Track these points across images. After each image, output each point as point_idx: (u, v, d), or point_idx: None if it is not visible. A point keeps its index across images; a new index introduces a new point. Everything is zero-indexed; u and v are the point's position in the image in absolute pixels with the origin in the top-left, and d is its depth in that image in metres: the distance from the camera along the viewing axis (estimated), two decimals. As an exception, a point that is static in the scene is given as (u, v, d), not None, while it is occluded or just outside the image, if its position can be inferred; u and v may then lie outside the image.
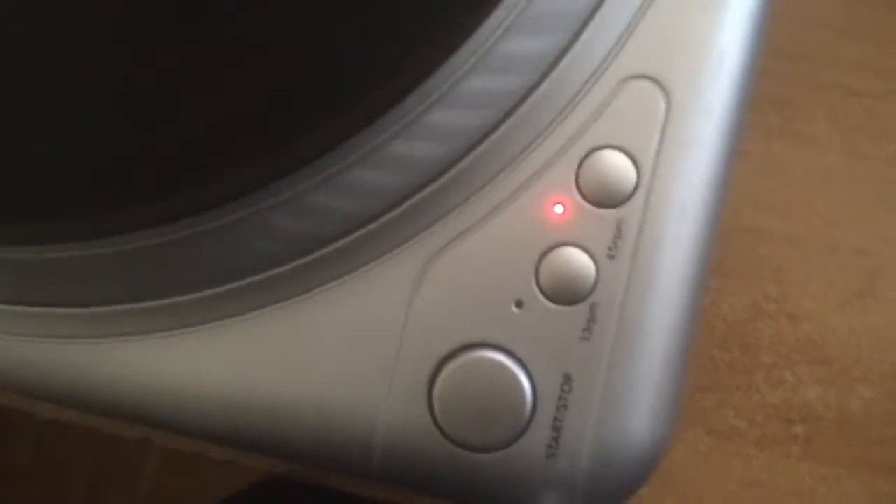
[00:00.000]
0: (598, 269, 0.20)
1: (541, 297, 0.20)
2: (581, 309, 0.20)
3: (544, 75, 0.20)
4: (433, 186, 0.20)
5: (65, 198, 0.19)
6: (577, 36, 0.20)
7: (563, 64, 0.20)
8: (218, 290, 0.20)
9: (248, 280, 0.20)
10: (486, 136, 0.20)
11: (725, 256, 0.26)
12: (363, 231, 0.20)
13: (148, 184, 0.19)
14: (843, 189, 0.26)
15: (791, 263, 0.26)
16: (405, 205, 0.20)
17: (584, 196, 0.20)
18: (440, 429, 0.20)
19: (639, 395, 0.20)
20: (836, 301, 0.26)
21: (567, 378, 0.20)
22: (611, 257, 0.20)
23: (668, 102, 0.20)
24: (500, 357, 0.20)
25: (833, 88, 0.26)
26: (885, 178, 0.26)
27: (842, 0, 0.26)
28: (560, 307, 0.20)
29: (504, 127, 0.20)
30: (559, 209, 0.20)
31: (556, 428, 0.20)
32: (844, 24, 0.27)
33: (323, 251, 0.20)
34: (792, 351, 0.26)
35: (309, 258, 0.20)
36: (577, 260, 0.20)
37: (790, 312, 0.26)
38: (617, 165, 0.20)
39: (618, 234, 0.20)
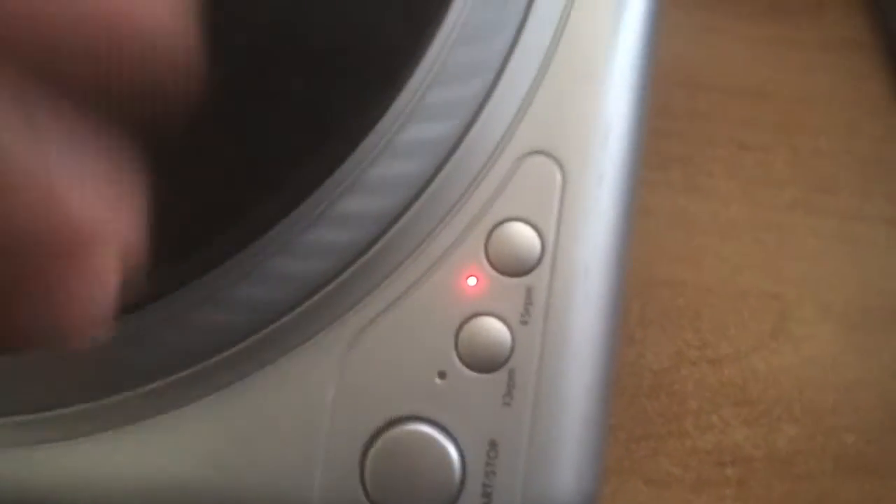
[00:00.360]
0: (513, 336, 0.21)
1: (461, 367, 0.21)
2: (500, 376, 0.21)
3: (446, 159, 0.21)
4: (350, 270, 0.21)
5: None
6: (474, 119, 0.21)
7: (463, 146, 0.21)
8: (144, 388, 0.21)
9: (175, 376, 0.20)
10: (397, 218, 0.21)
11: (645, 309, 0.27)
12: (286, 319, 0.21)
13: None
14: (747, 237, 0.28)
15: (707, 311, 0.27)
16: (323, 291, 0.21)
17: (494, 267, 0.21)
18: (373, 504, 0.20)
19: (563, 453, 0.21)
20: (753, 343, 0.27)
21: (493, 444, 0.21)
22: (524, 323, 0.21)
23: (564, 173, 0.21)
24: (427, 429, 0.21)
25: (728, 144, 0.28)
26: (784, 224, 0.28)
27: (724, 62, 0.28)
28: (480, 375, 0.21)
29: (414, 207, 0.21)
30: (472, 281, 0.21)
31: (487, 494, 0.20)
32: (733, 84, 0.29)
33: (247, 342, 0.21)
34: (716, 395, 0.27)
35: (234, 349, 0.21)
36: (493, 328, 0.21)
37: (711, 357, 0.27)
38: (522, 236, 0.21)
39: (529, 301, 0.21)
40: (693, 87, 0.28)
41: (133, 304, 0.20)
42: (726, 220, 0.28)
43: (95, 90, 0.11)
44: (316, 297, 0.21)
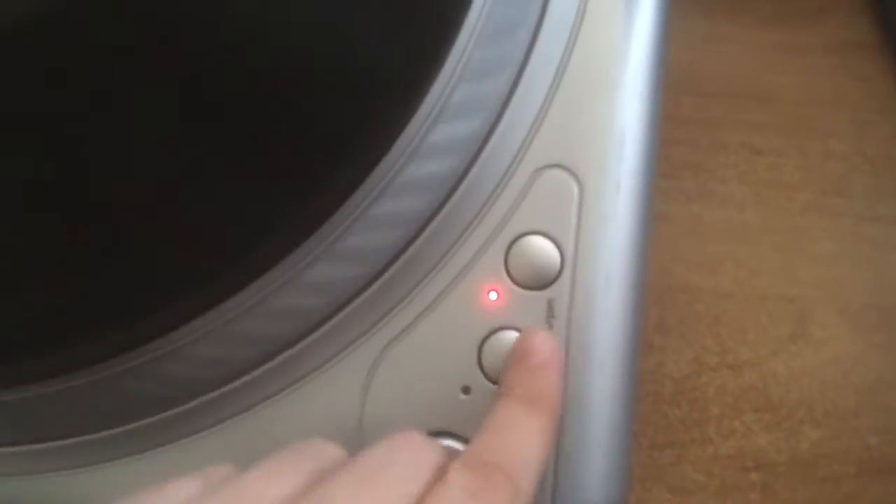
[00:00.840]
0: (536, 349, 0.21)
1: (486, 382, 0.21)
2: (525, 388, 0.21)
3: (462, 177, 0.21)
4: (370, 290, 0.21)
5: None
6: (488, 137, 0.22)
7: (478, 164, 0.21)
8: (180, 409, 0.21)
9: (196, 401, 0.20)
10: (414, 238, 0.21)
11: (663, 316, 0.28)
12: (307, 341, 0.21)
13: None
14: (762, 241, 0.28)
15: (725, 316, 0.28)
16: (344, 311, 0.21)
17: (514, 281, 0.21)
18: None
19: (591, 463, 0.21)
20: (772, 347, 0.27)
21: (520, 457, 0.21)
22: (547, 336, 0.21)
23: (580, 185, 0.22)
24: (454, 444, 0.21)
25: (739, 149, 0.28)
26: (798, 226, 0.28)
27: (731, 69, 0.29)
28: (505, 389, 0.21)
29: (431, 227, 0.21)
30: (493, 296, 0.21)
31: (516, 506, 0.20)
32: (741, 90, 0.29)
33: (272, 363, 0.21)
34: (738, 400, 0.27)
35: (258, 372, 0.21)
36: (516, 342, 0.21)
37: (731, 363, 0.27)
38: (541, 249, 0.21)
39: (550, 314, 0.21)
40: (702, 95, 0.28)
41: (146, 337, 0.20)
42: (741, 225, 0.28)
43: None
44: (336, 319, 0.21)
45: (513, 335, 0.21)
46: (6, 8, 0.17)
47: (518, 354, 0.20)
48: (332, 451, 0.18)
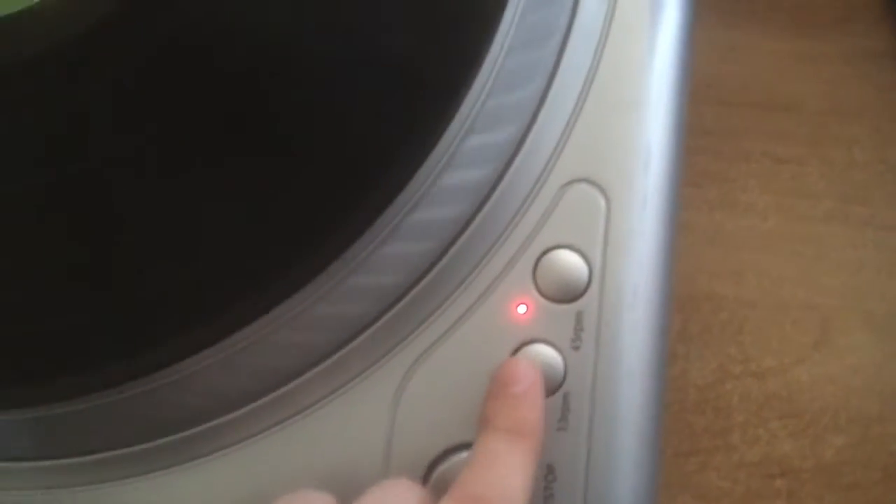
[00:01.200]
0: (565, 361, 0.21)
1: (516, 394, 0.21)
2: (555, 401, 0.21)
3: (490, 192, 0.22)
4: (401, 304, 0.21)
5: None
6: (516, 152, 0.22)
7: (507, 179, 0.22)
8: (216, 421, 0.21)
9: (230, 416, 0.21)
10: (444, 252, 0.21)
11: (687, 324, 0.28)
12: (338, 355, 0.21)
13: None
14: (785, 250, 0.28)
15: (749, 324, 0.28)
16: (376, 325, 0.21)
17: (543, 294, 0.22)
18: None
19: (620, 473, 0.21)
20: (796, 355, 0.27)
21: (550, 469, 0.21)
22: (575, 348, 0.21)
23: (607, 199, 0.22)
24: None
25: (761, 158, 0.28)
26: (821, 234, 0.28)
27: (753, 78, 0.29)
28: (535, 401, 0.21)
29: (461, 240, 0.22)
30: (522, 309, 0.22)
31: (546, 517, 0.21)
32: (763, 100, 0.29)
33: (303, 378, 0.21)
34: (762, 408, 0.27)
35: (288, 387, 0.21)
36: (545, 355, 0.21)
37: (754, 371, 0.27)
38: (569, 263, 0.22)
39: (579, 326, 0.22)
40: (725, 104, 0.29)
41: (186, 350, 0.20)
42: (764, 233, 0.28)
43: None
44: (369, 331, 0.21)
45: (542, 348, 0.22)
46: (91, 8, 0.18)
47: (498, 384, 0.20)
48: (324, 501, 0.19)
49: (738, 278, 0.28)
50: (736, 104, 0.29)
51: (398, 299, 0.21)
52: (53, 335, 0.20)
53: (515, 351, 0.22)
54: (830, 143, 0.28)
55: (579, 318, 0.22)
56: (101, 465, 0.21)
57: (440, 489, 0.20)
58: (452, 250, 0.22)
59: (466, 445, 0.21)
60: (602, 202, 0.22)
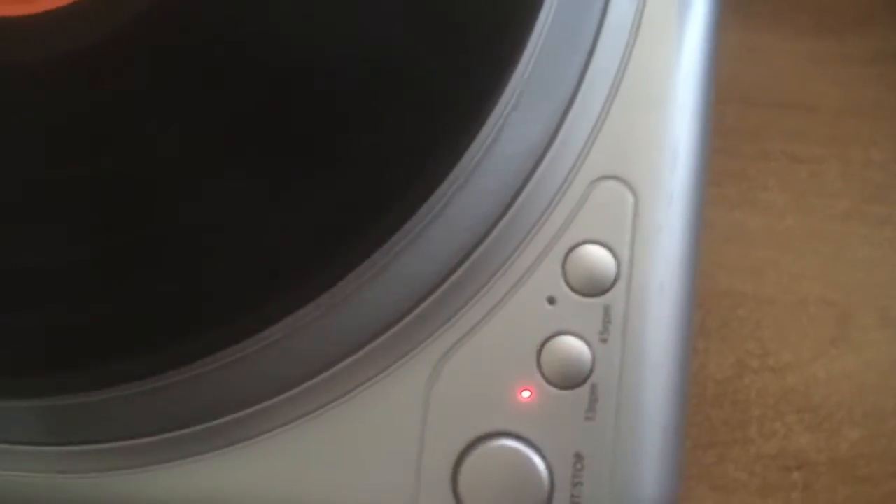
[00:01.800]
0: (593, 353, 0.22)
1: (545, 384, 0.22)
2: (583, 391, 0.22)
3: (521, 188, 0.22)
4: (433, 298, 0.22)
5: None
6: (547, 148, 0.22)
7: (537, 174, 0.22)
8: (247, 411, 0.22)
9: (263, 405, 0.21)
10: (475, 247, 0.22)
11: (706, 320, 0.28)
12: (372, 345, 0.22)
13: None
14: (803, 247, 0.29)
15: (767, 320, 0.28)
16: (409, 317, 0.22)
17: (572, 288, 0.22)
18: (469, 519, 0.21)
19: (646, 462, 0.22)
20: (813, 351, 0.28)
21: (578, 456, 0.22)
22: (603, 341, 0.22)
23: (635, 196, 0.22)
24: (515, 444, 0.22)
25: (780, 157, 0.29)
26: (838, 232, 0.28)
27: (773, 79, 0.29)
28: (563, 391, 0.22)
29: (492, 235, 0.22)
30: (551, 302, 0.22)
31: (575, 504, 0.21)
32: (783, 100, 0.29)
33: (336, 368, 0.22)
34: (779, 402, 0.28)
35: (322, 377, 0.22)
36: (574, 346, 0.22)
37: (772, 366, 0.28)
38: (597, 258, 0.22)
39: (607, 319, 0.22)
40: (744, 104, 0.29)
41: (235, 334, 0.21)
42: (782, 231, 0.29)
43: None
44: (403, 322, 0.22)
45: (571, 340, 0.22)
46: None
47: None
48: None
49: (756, 275, 0.29)
50: (756, 104, 0.29)
51: (431, 291, 0.22)
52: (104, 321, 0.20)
53: (544, 343, 0.22)
54: (849, 143, 0.29)
55: (607, 311, 0.22)
56: (147, 450, 0.22)
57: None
58: (484, 245, 0.22)
59: (496, 434, 0.22)
60: (630, 198, 0.22)
